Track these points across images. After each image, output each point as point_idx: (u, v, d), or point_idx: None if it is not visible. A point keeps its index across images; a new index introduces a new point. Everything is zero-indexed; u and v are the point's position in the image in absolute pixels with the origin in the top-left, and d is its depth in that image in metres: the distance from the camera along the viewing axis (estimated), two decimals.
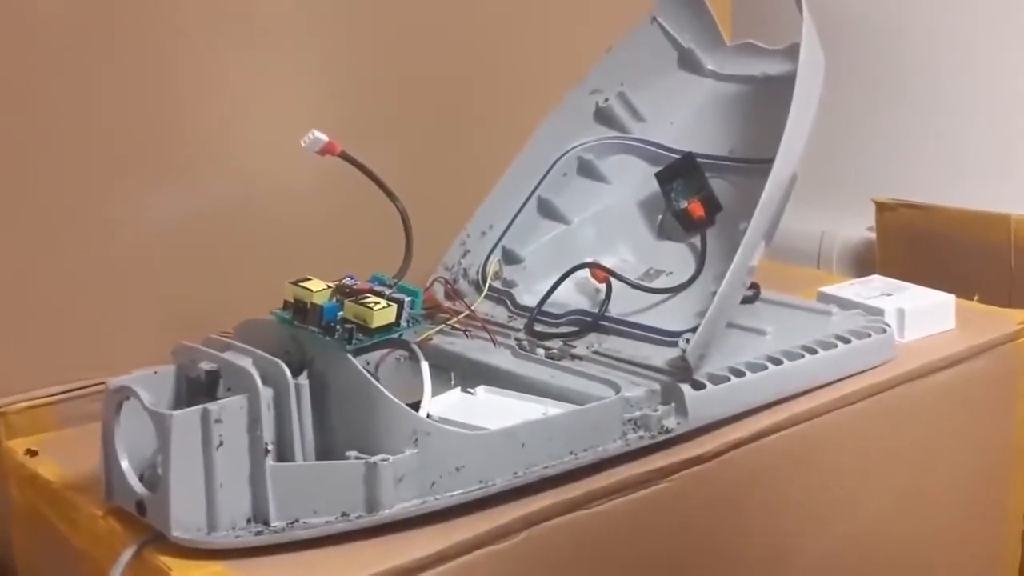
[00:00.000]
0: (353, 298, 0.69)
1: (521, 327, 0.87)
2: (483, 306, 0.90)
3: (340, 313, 0.68)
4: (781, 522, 0.80)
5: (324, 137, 0.73)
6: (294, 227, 0.96)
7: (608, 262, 0.91)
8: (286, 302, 0.70)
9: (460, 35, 1.05)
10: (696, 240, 0.89)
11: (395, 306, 0.69)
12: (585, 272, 0.88)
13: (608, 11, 1.04)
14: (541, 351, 0.83)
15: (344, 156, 0.73)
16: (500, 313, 0.90)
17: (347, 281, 0.71)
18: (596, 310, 0.85)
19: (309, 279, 0.70)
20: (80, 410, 0.84)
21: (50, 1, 0.83)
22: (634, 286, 0.86)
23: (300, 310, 0.69)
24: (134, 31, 0.87)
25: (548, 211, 0.96)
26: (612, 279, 0.86)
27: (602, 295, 0.86)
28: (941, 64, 1.39)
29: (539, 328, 0.86)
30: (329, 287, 0.70)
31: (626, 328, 0.83)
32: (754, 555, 0.79)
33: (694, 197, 0.89)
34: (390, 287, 0.71)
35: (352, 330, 0.68)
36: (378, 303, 0.68)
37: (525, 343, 0.84)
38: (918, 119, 1.42)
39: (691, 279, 0.86)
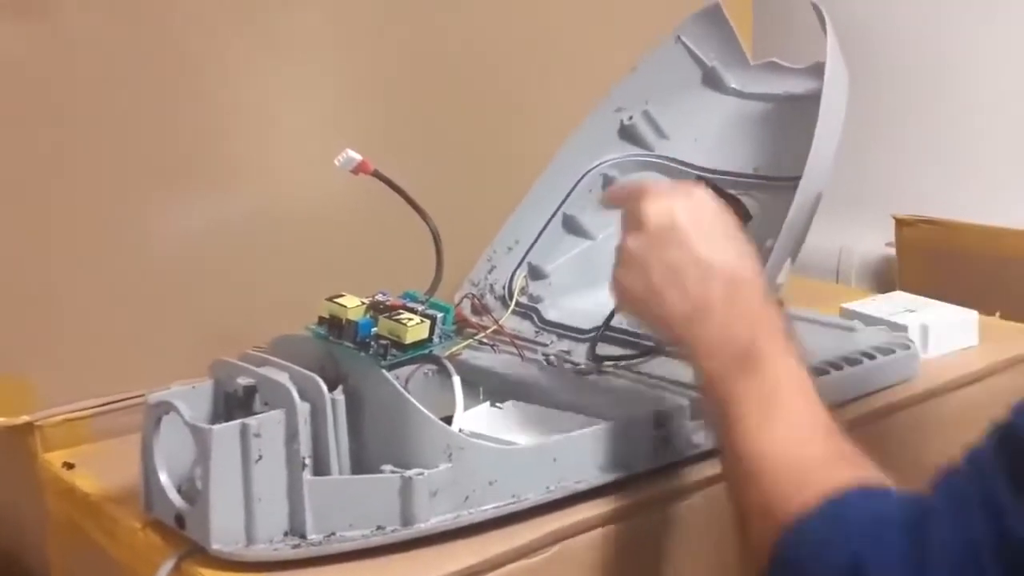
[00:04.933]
0: (387, 314, 0.70)
1: (548, 342, 0.88)
2: (510, 321, 0.91)
3: (374, 329, 0.70)
4: None
5: (357, 156, 0.74)
6: (326, 243, 0.97)
7: None
8: (321, 318, 0.71)
9: (487, 54, 1.06)
10: None
11: (428, 322, 0.70)
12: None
13: (633, 30, 1.05)
14: (569, 366, 0.84)
15: (377, 175, 0.74)
16: (527, 328, 0.91)
17: (380, 297, 0.72)
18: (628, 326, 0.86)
19: (343, 295, 0.71)
20: (116, 423, 0.85)
21: (88, 19, 0.84)
22: None
23: (335, 326, 0.70)
24: (170, 49, 0.88)
25: (573, 227, 0.97)
26: None
27: None
28: (961, 81, 1.40)
29: (601, 352, 0.86)
30: (363, 303, 0.71)
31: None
32: None
33: None
34: (422, 303, 0.72)
35: (387, 346, 0.69)
36: (412, 319, 0.69)
37: (552, 358, 0.85)
38: (937, 135, 1.43)
39: None
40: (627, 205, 0.69)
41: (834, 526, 0.53)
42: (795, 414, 0.60)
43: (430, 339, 0.71)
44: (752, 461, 0.59)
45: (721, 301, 0.64)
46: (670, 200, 0.67)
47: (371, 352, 0.69)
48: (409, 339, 0.69)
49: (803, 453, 0.58)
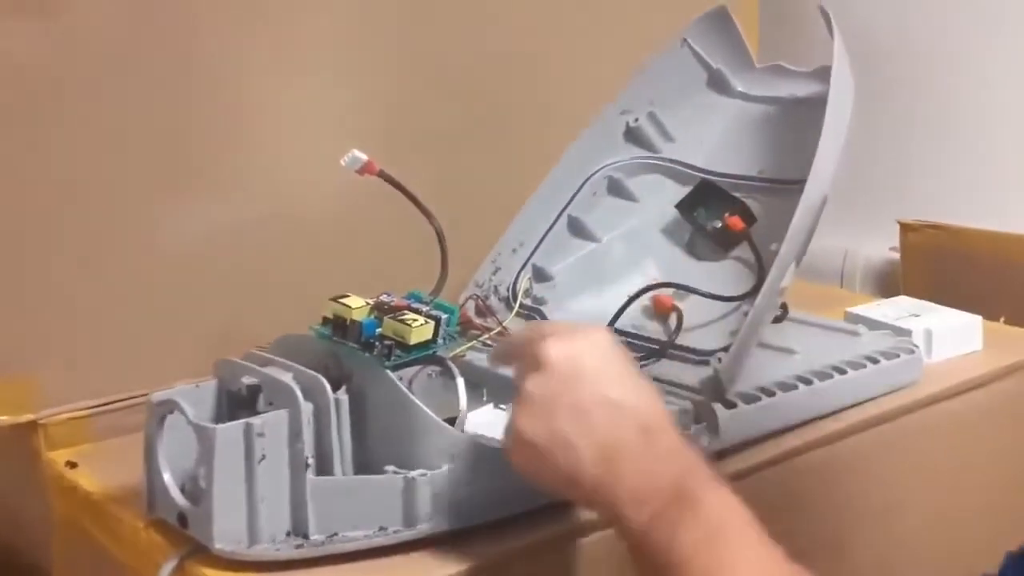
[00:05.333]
0: (391, 315, 0.70)
1: None
2: (514, 323, 0.91)
3: (379, 330, 0.70)
4: (811, 542, 0.81)
5: (363, 156, 0.74)
6: (330, 244, 0.97)
7: (637, 281, 0.92)
8: (325, 318, 0.71)
9: (492, 56, 1.06)
10: (728, 258, 0.90)
11: (433, 323, 0.70)
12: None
13: (639, 33, 1.05)
14: None
15: (383, 175, 0.74)
16: None
17: (385, 298, 0.72)
18: (637, 330, 0.86)
19: (348, 296, 0.71)
20: (119, 422, 0.85)
21: (97, 19, 0.84)
22: (706, 295, 0.87)
23: (340, 326, 0.70)
24: (179, 51, 0.88)
25: (578, 229, 0.97)
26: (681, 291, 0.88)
27: (651, 315, 0.88)
28: (967, 85, 1.40)
29: None
30: (368, 304, 0.71)
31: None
32: None
33: (730, 213, 0.90)
34: (427, 304, 0.72)
35: (391, 346, 0.69)
36: (416, 320, 0.69)
37: None
38: (941, 140, 1.43)
39: (757, 285, 0.85)
40: (526, 348, 0.63)
41: None
42: (749, 550, 0.56)
43: (435, 340, 0.70)
44: None
45: (636, 444, 0.59)
46: (574, 341, 0.61)
47: (375, 353, 0.69)
48: (413, 340, 0.69)
49: None
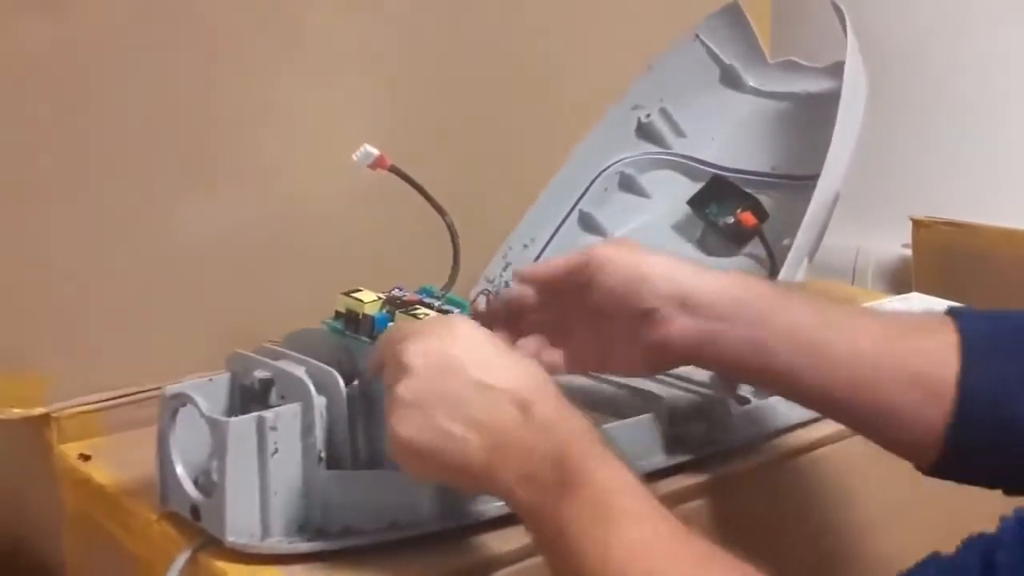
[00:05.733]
0: (403, 309, 0.70)
1: None
2: None
3: (390, 324, 0.70)
4: (823, 537, 0.81)
5: (375, 151, 0.74)
6: (343, 239, 0.97)
7: None
8: (338, 312, 0.71)
9: (504, 51, 1.06)
10: (740, 254, 0.90)
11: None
12: None
13: (651, 28, 1.05)
14: None
15: (394, 170, 0.74)
16: None
17: (397, 293, 0.72)
18: None
19: (360, 290, 0.71)
20: (131, 415, 0.85)
21: (112, 17, 0.84)
22: None
23: (352, 320, 0.71)
24: (194, 49, 0.88)
25: (589, 225, 0.97)
26: None
27: None
28: (979, 82, 1.40)
29: None
30: (379, 298, 0.71)
31: None
32: (792, 570, 0.79)
33: (741, 209, 0.90)
34: (439, 299, 0.72)
35: None
36: (427, 315, 0.70)
37: None
38: (954, 136, 1.42)
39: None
40: (387, 354, 0.62)
41: None
42: (639, 521, 0.55)
43: None
44: None
45: (515, 422, 0.58)
46: (431, 336, 0.61)
47: None
48: None
49: (665, 567, 0.53)
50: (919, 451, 0.64)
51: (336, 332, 0.71)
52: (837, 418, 0.69)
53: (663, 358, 0.68)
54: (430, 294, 0.73)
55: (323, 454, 0.65)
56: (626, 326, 0.68)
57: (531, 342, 0.72)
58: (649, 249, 0.69)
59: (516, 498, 0.58)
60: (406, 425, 0.59)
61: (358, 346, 0.70)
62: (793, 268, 0.79)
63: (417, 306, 0.71)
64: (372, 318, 0.70)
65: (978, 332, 0.64)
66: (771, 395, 0.78)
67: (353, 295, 0.71)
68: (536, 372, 0.61)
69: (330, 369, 0.67)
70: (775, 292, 0.68)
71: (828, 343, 0.65)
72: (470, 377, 0.59)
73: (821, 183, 0.78)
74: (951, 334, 0.64)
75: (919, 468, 0.66)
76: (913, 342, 0.65)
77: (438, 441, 0.59)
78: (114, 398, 0.86)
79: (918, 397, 0.63)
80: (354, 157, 0.74)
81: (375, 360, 0.65)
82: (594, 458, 0.57)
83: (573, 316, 0.69)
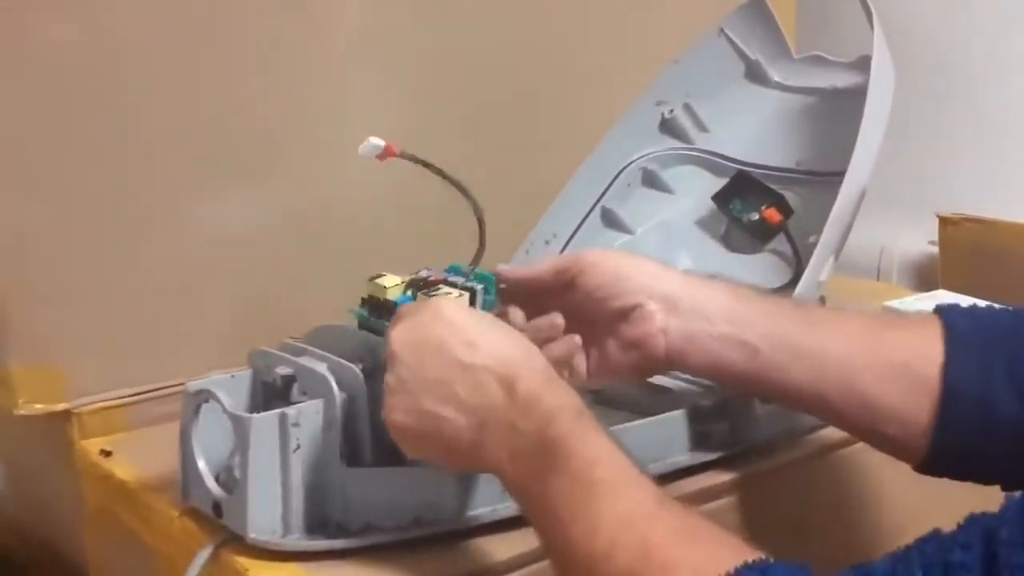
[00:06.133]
0: (425, 290, 0.70)
1: None
2: None
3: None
4: (854, 537, 0.80)
5: (381, 142, 0.73)
6: (365, 233, 0.97)
7: None
8: (363, 299, 0.71)
9: (529, 45, 1.05)
10: (764, 250, 0.89)
11: (467, 295, 0.70)
12: None
13: (676, 23, 1.04)
14: None
15: (404, 156, 0.73)
16: None
17: (424, 273, 0.72)
18: None
19: (384, 275, 0.71)
20: (153, 411, 0.85)
21: (140, 19, 0.84)
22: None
23: (375, 306, 0.70)
24: (216, 45, 0.88)
25: (612, 221, 0.96)
26: None
27: None
28: (1005, 79, 1.38)
29: None
30: (402, 282, 0.71)
31: None
32: (824, 571, 0.79)
33: (766, 206, 0.89)
34: (465, 276, 0.72)
35: None
36: (450, 293, 0.69)
37: None
38: (981, 133, 1.41)
39: (794, 278, 0.85)
40: (386, 340, 0.63)
41: None
42: (622, 493, 0.55)
43: None
44: (593, 564, 0.53)
45: (499, 400, 0.58)
46: (414, 321, 0.62)
47: None
48: None
49: (646, 540, 0.52)
50: (908, 446, 0.64)
51: (362, 319, 0.71)
52: (825, 416, 0.68)
53: (646, 358, 0.68)
54: (457, 272, 0.73)
55: (344, 451, 0.65)
56: (608, 328, 0.69)
57: None
58: (635, 253, 0.69)
59: (505, 474, 0.59)
60: (396, 412, 0.61)
61: (380, 343, 0.69)
62: (818, 265, 0.78)
63: (440, 286, 0.70)
64: (393, 303, 0.69)
65: (963, 327, 0.64)
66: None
67: (376, 280, 0.71)
68: (521, 347, 0.62)
69: (352, 365, 0.66)
70: (760, 296, 0.69)
71: (812, 339, 0.65)
72: (453, 358, 0.60)
73: (847, 179, 0.77)
74: (936, 328, 0.64)
75: (912, 466, 0.66)
76: (898, 335, 0.65)
77: (427, 424, 0.60)
78: (136, 394, 0.86)
79: (904, 389, 0.63)
80: (360, 150, 0.73)
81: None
82: (576, 433, 0.57)
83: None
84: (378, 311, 0.70)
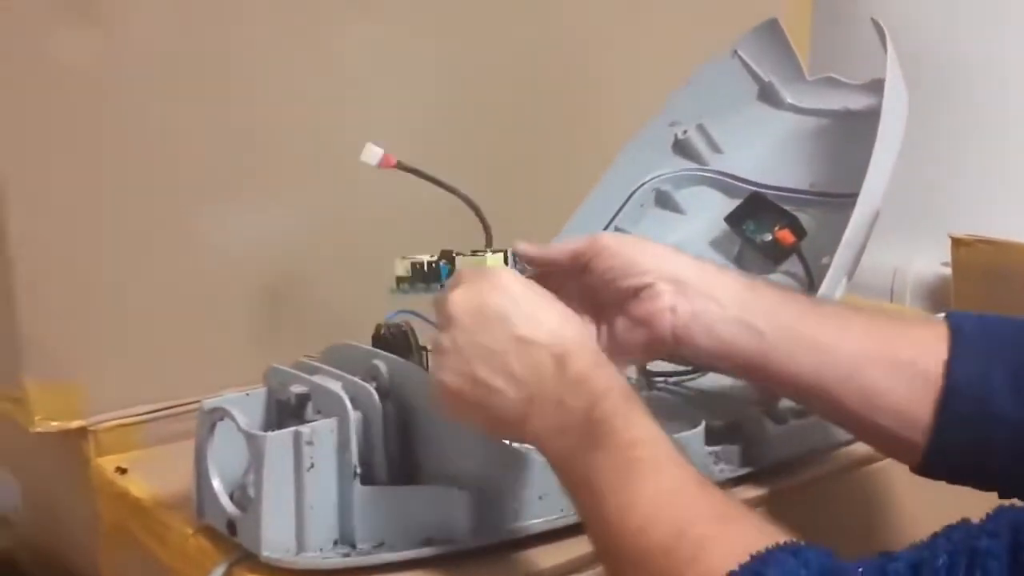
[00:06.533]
0: (461, 255, 0.72)
1: None
2: None
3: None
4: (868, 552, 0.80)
5: (379, 150, 0.74)
6: (379, 250, 0.96)
7: None
8: (399, 278, 0.73)
9: (543, 66, 1.06)
10: (778, 271, 0.89)
11: (502, 253, 0.71)
12: None
13: (690, 44, 1.05)
14: None
15: (401, 167, 0.74)
16: None
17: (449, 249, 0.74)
18: None
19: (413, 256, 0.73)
20: (168, 429, 0.85)
21: (151, 31, 0.85)
22: None
23: (419, 274, 0.72)
24: (228, 57, 0.89)
25: None
26: None
27: None
28: (1019, 102, 1.38)
29: (652, 368, 0.85)
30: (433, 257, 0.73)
31: None
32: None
33: (779, 227, 0.89)
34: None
35: None
36: (487, 255, 0.71)
37: None
38: (994, 154, 1.41)
39: None
40: (436, 301, 0.64)
41: None
42: (664, 473, 0.56)
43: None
44: (628, 539, 0.54)
45: (551, 375, 0.60)
46: (474, 286, 0.63)
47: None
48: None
49: (681, 517, 0.54)
50: (906, 444, 0.64)
51: (403, 293, 0.73)
52: (826, 408, 0.68)
53: (653, 337, 0.68)
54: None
55: (358, 469, 0.65)
56: (620, 308, 0.70)
57: None
58: (648, 239, 0.70)
59: (546, 447, 0.60)
60: (447, 374, 0.61)
61: (393, 362, 0.70)
62: (832, 287, 0.78)
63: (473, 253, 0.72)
64: (437, 266, 0.72)
65: (970, 329, 0.65)
66: (809, 416, 0.77)
67: (410, 257, 0.73)
68: (575, 325, 0.63)
69: (366, 385, 0.67)
70: (771, 287, 0.70)
71: (820, 331, 0.66)
72: (511, 330, 0.61)
73: (861, 201, 0.77)
74: (943, 329, 0.65)
75: (910, 466, 0.66)
76: (906, 333, 0.66)
77: (477, 392, 0.61)
78: (152, 411, 0.86)
79: (908, 385, 0.64)
80: (361, 158, 0.74)
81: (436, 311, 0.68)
82: (622, 412, 0.58)
83: (571, 303, 0.68)
84: (421, 276, 0.72)
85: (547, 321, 0.61)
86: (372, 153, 0.74)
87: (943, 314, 0.67)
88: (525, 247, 0.72)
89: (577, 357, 0.60)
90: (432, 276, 0.71)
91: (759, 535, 0.51)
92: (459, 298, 0.62)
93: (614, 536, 0.55)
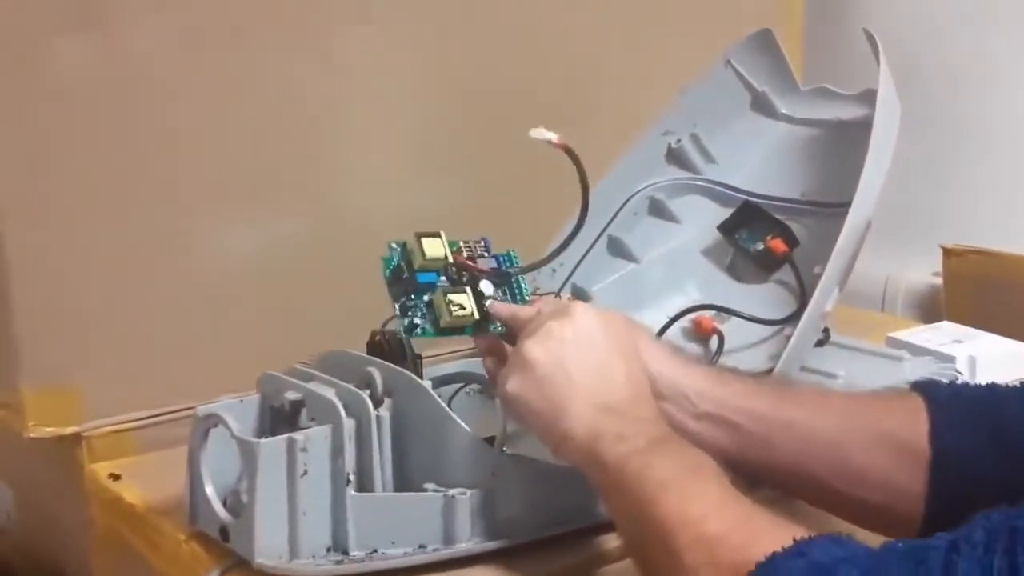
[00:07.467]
0: (447, 290, 0.71)
1: None
2: None
3: (428, 296, 0.71)
4: None
5: (551, 135, 0.76)
6: (377, 258, 0.97)
7: (677, 302, 0.92)
8: (398, 264, 0.73)
9: (538, 75, 1.06)
10: (770, 280, 0.90)
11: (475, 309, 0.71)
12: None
13: (683, 54, 1.05)
14: None
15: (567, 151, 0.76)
16: None
17: (479, 249, 0.75)
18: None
19: (437, 236, 0.73)
20: (162, 435, 0.85)
21: (156, 38, 0.85)
22: (748, 318, 0.87)
23: (398, 278, 0.72)
24: (230, 66, 0.89)
25: (618, 249, 0.97)
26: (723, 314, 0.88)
27: (692, 337, 0.89)
28: (1010, 110, 1.39)
29: None
30: (446, 256, 0.73)
31: None
32: None
33: (772, 236, 0.90)
34: (511, 275, 0.75)
35: (423, 317, 0.71)
36: (463, 309, 0.70)
37: None
38: (985, 164, 1.42)
39: (799, 309, 0.85)
40: (539, 315, 0.67)
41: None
42: (721, 480, 0.57)
43: (476, 321, 0.71)
44: (689, 528, 0.54)
45: (627, 392, 0.63)
46: (576, 320, 0.64)
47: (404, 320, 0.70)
48: (443, 324, 0.70)
49: (746, 512, 0.54)
50: (900, 517, 0.64)
51: (388, 262, 0.73)
52: (812, 494, 0.68)
53: None
54: (511, 262, 0.76)
55: (352, 476, 0.66)
56: None
57: None
58: (616, 320, 0.68)
59: (601, 453, 0.60)
60: (537, 348, 0.63)
61: (387, 370, 0.70)
62: (823, 296, 0.78)
63: (463, 291, 0.71)
64: (416, 282, 0.72)
65: (945, 398, 0.65)
66: None
67: (423, 240, 0.73)
68: (641, 376, 0.64)
69: (359, 392, 0.67)
70: (740, 378, 0.70)
71: (794, 415, 0.66)
72: (596, 356, 0.63)
73: (853, 211, 0.78)
74: (918, 400, 0.65)
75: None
76: (880, 406, 0.67)
77: (556, 374, 0.62)
78: (145, 418, 0.86)
79: (891, 457, 0.64)
80: (531, 134, 0.76)
81: (519, 315, 0.69)
82: (684, 440, 0.60)
83: None
84: (403, 284, 0.72)
85: (619, 369, 0.64)
86: (545, 135, 0.74)
87: (907, 385, 0.68)
88: (498, 307, 0.72)
89: (649, 398, 0.64)
90: (410, 287, 0.71)
91: (806, 534, 0.52)
92: (560, 325, 0.64)
93: (672, 522, 0.54)
